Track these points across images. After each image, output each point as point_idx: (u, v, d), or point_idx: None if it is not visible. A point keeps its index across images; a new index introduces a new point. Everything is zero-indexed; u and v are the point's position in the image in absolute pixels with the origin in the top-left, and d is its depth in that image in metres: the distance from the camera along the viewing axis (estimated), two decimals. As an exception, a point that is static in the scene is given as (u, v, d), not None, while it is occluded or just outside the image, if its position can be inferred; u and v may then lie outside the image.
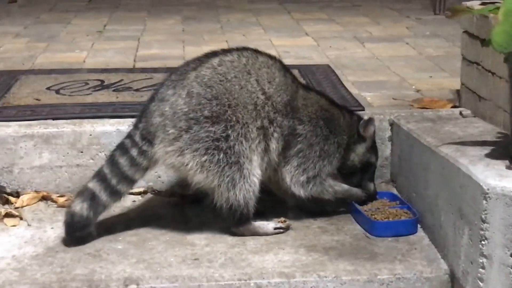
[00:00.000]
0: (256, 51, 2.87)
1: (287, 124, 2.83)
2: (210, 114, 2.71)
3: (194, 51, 4.12)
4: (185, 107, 2.72)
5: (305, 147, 2.87)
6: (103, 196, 2.76)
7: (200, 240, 2.82)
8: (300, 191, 2.88)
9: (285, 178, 2.89)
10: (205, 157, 2.71)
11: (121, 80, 3.94)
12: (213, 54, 2.84)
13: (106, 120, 3.28)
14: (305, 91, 2.95)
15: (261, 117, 2.77)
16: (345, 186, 2.99)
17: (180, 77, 2.78)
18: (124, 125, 3.16)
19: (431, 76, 4.10)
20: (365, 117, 3.04)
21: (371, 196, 3.04)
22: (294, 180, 2.87)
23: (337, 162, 2.96)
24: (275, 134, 2.81)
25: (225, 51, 2.85)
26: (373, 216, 2.94)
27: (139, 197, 3.23)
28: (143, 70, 4.18)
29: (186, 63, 2.87)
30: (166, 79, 2.84)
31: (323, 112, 2.93)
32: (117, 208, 2.99)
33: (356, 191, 3.02)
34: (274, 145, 2.81)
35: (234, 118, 2.73)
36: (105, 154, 3.15)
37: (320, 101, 2.95)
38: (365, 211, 2.97)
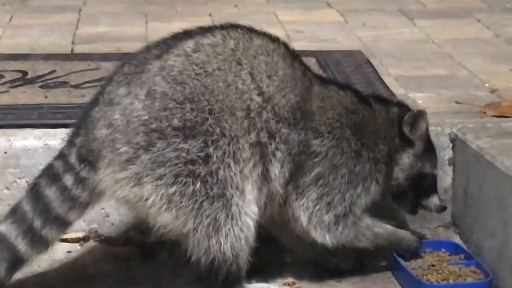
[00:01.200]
0: (250, 31, 2.88)
1: (297, 139, 2.84)
2: (182, 124, 2.72)
3: (162, 29, 4.13)
4: (145, 113, 2.72)
5: (327, 170, 2.88)
6: (20, 245, 2.76)
7: (166, 311, 2.85)
8: (325, 237, 2.90)
9: (298, 218, 2.89)
10: (174, 187, 2.71)
11: (53, 71, 3.95)
12: (187, 35, 2.84)
13: (29, 131, 3.29)
14: (323, 86, 2.96)
15: (257, 128, 2.78)
16: (389, 228, 3.00)
17: (137, 69, 2.79)
18: (56, 139, 3.17)
19: (512, 69, 4.14)
20: (411, 110, 3.05)
21: (439, 211, 3.11)
22: (315, 221, 2.88)
23: (377, 187, 2.97)
24: (278, 154, 2.82)
25: (204, 31, 2.86)
26: (425, 276, 2.94)
27: (76, 245, 3.23)
28: (86, 56, 4.19)
29: (146, 49, 2.88)
30: (116, 72, 2.85)
31: (349, 116, 2.95)
32: (43, 262, 2.97)
33: (405, 234, 3.03)
34: (276, 169, 2.82)
35: (217, 130, 2.74)
36: (26, 182, 3.16)
37: (345, 100, 2.97)
38: (413, 269, 2.97)
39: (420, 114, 3.02)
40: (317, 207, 2.88)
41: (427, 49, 4.46)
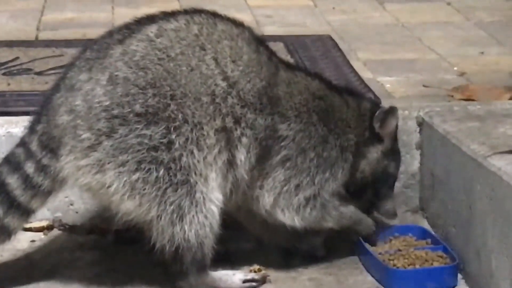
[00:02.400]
0: (214, 15, 2.89)
1: (263, 124, 2.86)
2: (144, 109, 2.73)
3: (129, 14, 4.06)
4: (106, 99, 2.73)
5: (295, 153, 2.90)
6: (-18, 234, 2.78)
7: (132, 300, 2.85)
8: (293, 220, 2.92)
9: (263, 199, 2.91)
10: (137, 174, 2.72)
11: (17, 58, 3.96)
12: (149, 19, 2.85)
13: (-9, 119, 3.31)
14: (289, 72, 2.98)
15: (222, 113, 2.79)
16: (351, 206, 3.03)
17: (99, 54, 2.79)
18: (18, 126, 3.18)
19: (482, 52, 4.17)
20: (383, 107, 3.09)
21: (390, 217, 3.10)
22: (283, 203, 2.91)
23: (343, 174, 3.00)
24: (244, 139, 2.83)
25: (167, 15, 2.86)
26: (391, 261, 2.97)
27: (40, 234, 3.23)
28: (51, 43, 4.19)
29: (108, 33, 2.88)
30: (77, 57, 2.85)
31: (317, 101, 2.96)
32: (6, 251, 2.99)
33: (365, 217, 3.06)
34: (242, 155, 2.83)
35: (180, 116, 2.74)
36: (-11, 170, 3.16)
37: (312, 86, 2.99)
38: (380, 254, 3.00)
39: (391, 111, 3.04)
40: (285, 189, 2.90)
41: (397, 33, 4.49)
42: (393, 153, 3.10)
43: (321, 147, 2.94)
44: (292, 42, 4.21)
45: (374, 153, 3.05)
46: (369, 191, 3.08)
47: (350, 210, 3.02)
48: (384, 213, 3.12)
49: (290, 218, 2.92)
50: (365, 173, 3.05)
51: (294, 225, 2.93)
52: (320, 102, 2.97)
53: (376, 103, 3.14)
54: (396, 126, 3.08)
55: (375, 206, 3.10)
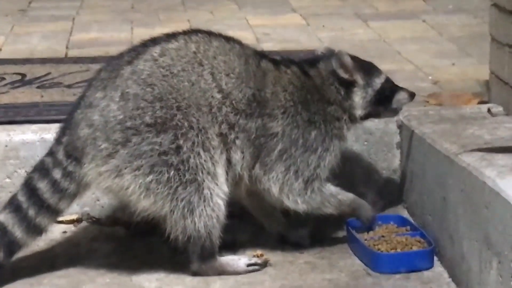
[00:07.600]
0: (208, 34, 2.88)
1: (254, 126, 2.84)
2: (153, 120, 2.73)
3: (146, 34, 4.07)
4: (120, 113, 2.74)
5: (288, 145, 2.88)
6: (17, 232, 2.77)
7: (150, 282, 2.82)
8: (297, 203, 2.89)
9: (270, 189, 2.88)
10: (151, 176, 2.72)
11: (49, 73, 3.96)
12: (153, 41, 2.86)
13: (27, 126, 3.28)
14: (275, 71, 2.91)
15: (218, 121, 2.79)
16: (351, 195, 2.97)
17: (112, 74, 2.81)
18: (51, 133, 3.16)
19: (453, 63, 4.12)
20: (326, 52, 2.99)
21: (411, 98, 3.03)
22: (286, 190, 2.87)
23: (338, 147, 2.92)
24: (238, 142, 2.82)
25: (168, 37, 2.86)
26: (376, 246, 2.94)
27: (70, 226, 3.22)
28: (78, 60, 4.20)
29: (119, 55, 2.89)
30: (94, 77, 2.87)
31: (299, 92, 2.91)
32: (41, 241, 2.97)
33: (364, 203, 2.99)
34: (237, 156, 2.82)
35: (186, 124, 2.74)
36: (25, 171, 3.14)
37: (293, 79, 2.92)
38: (366, 240, 2.97)
39: (338, 54, 2.92)
40: (286, 177, 2.87)
41: (379, 47, 4.46)
42: (367, 74, 2.95)
43: (309, 130, 2.88)
44: (287, 56, 4.17)
45: (356, 97, 2.95)
46: (380, 107, 2.99)
47: (349, 198, 2.95)
48: (401, 103, 3.02)
49: (293, 202, 2.89)
50: (366, 111, 2.96)
51: (298, 208, 2.89)
52: (301, 92, 2.91)
53: (324, 54, 2.98)
54: (352, 58, 2.92)
55: (394, 104, 3.00)
